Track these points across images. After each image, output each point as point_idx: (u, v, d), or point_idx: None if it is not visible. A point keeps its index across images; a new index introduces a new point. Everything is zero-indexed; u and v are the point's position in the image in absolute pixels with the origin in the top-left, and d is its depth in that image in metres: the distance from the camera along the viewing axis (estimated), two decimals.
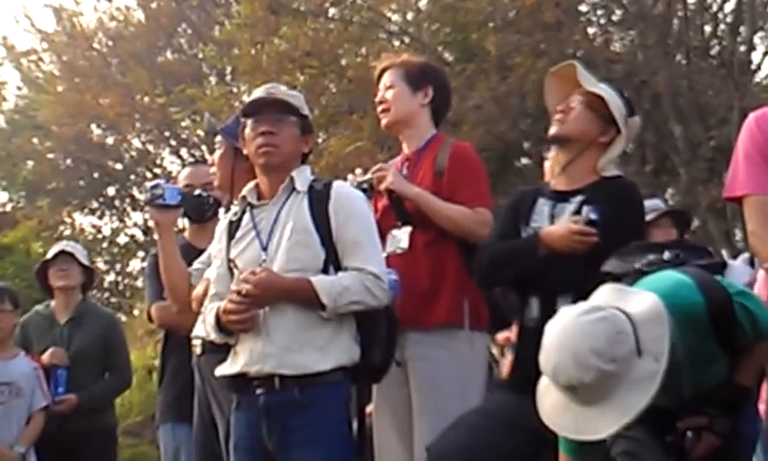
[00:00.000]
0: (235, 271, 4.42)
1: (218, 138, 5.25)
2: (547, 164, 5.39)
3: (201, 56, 21.42)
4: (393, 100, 5.11)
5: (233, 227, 4.49)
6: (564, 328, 3.57)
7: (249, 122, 4.47)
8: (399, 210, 5.00)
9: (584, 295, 3.84)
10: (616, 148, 4.53)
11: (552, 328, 3.62)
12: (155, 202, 5.01)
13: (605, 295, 3.71)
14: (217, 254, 4.59)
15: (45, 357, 6.96)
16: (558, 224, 4.42)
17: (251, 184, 4.52)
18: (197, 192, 5.80)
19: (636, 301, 3.61)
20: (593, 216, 4.30)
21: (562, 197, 4.52)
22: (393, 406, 4.94)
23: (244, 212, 4.49)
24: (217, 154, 5.22)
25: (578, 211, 4.41)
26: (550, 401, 3.69)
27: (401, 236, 4.99)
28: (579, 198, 4.47)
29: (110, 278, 23.16)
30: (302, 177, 4.45)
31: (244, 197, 4.51)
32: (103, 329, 7.20)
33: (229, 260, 4.47)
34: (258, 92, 4.57)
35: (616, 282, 3.87)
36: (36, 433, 6.75)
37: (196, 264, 5.11)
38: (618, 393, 3.49)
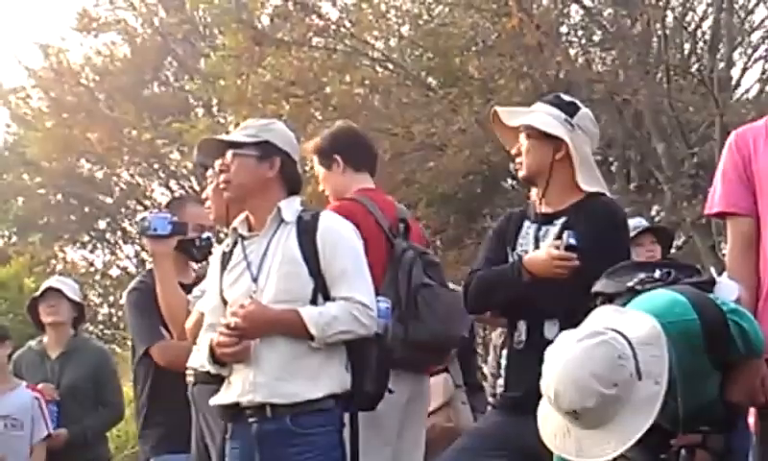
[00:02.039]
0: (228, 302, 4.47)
1: (209, 172, 5.28)
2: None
3: (187, 88, 21.50)
4: None
5: (226, 258, 4.54)
6: (565, 354, 3.55)
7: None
8: None
9: (571, 318, 3.89)
10: (580, 161, 4.55)
11: (552, 354, 3.61)
12: (147, 233, 5.05)
13: (602, 317, 3.71)
14: (210, 285, 4.63)
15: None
16: (539, 251, 4.45)
17: (241, 216, 4.57)
18: (190, 237, 5.68)
19: (634, 323, 3.61)
20: (572, 241, 4.32)
21: (546, 219, 4.56)
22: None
23: (236, 244, 4.54)
24: (210, 188, 5.27)
25: (559, 237, 4.43)
26: (551, 425, 3.69)
27: None
28: (562, 219, 4.51)
29: (104, 310, 23.19)
30: (290, 208, 4.48)
31: (235, 229, 4.56)
32: (94, 363, 7.23)
33: (222, 291, 4.52)
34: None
35: (608, 302, 3.88)
36: None
37: (195, 291, 5.12)
38: (620, 416, 3.49)
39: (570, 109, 4.62)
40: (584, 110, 4.69)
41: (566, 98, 4.71)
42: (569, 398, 3.50)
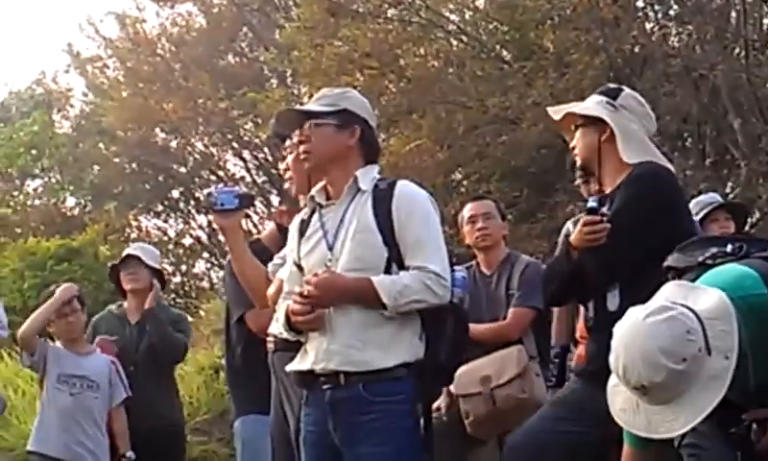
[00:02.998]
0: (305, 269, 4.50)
1: (287, 143, 5.29)
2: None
3: (261, 59, 21.60)
4: None
5: (304, 226, 4.58)
6: (633, 330, 3.55)
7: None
8: None
9: (630, 284, 3.94)
10: (622, 134, 4.62)
11: (620, 330, 3.62)
12: (214, 208, 5.07)
13: (670, 292, 3.69)
14: (289, 252, 4.67)
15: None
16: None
17: (319, 185, 4.59)
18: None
19: (703, 298, 3.60)
20: (592, 204, 4.44)
21: (605, 199, 4.64)
22: None
23: (313, 212, 4.58)
24: (289, 159, 5.28)
25: None
26: (621, 400, 3.70)
27: None
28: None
29: (176, 279, 23.42)
30: (367, 176, 4.49)
31: (313, 197, 4.60)
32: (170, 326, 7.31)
33: (299, 259, 4.56)
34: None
35: (679, 277, 3.88)
36: (126, 430, 6.90)
37: (276, 259, 5.13)
38: (690, 392, 3.49)
39: (613, 93, 4.74)
40: (628, 91, 4.80)
41: (612, 85, 4.87)
42: (638, 373, 3.50)
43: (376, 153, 4.65)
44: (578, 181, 5.78)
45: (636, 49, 13.64)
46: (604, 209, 4.45)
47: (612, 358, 3.62)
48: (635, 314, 3.60)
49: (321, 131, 4.51)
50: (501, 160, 14.51)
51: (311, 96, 4.91)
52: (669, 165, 4.76)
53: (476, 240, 6.51)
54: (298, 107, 4.70)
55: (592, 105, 4.70)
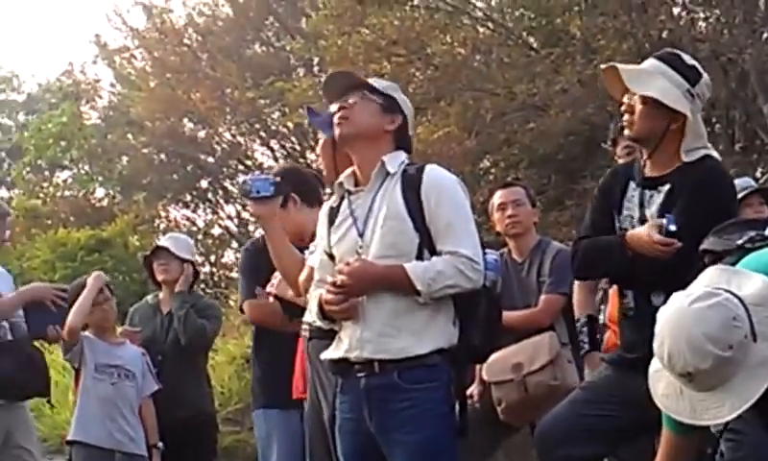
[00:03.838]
0: (336, 258, 4.50)
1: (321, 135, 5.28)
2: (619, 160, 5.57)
3: (288, 48, 21.62)
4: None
5: (333, 213, 4.56)
6: (678, 316, 3.50)
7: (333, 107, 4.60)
8: None
9: (678, 286, 3.92)
10: (691, 129, 4.54)
11: (664, 316, 3.56)
12: (250, 196, 5.03)
13: (712, 277, 3.64)
14: (319, 240, 4.66)
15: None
16: (641, 229, 4.47)
17: (347, 171, 4.58)
18: None
19: (747, 283, 3.54)
20: (672, 227, 4.33)
21: (651, 184, 4.58)
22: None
23: (342, 199, 4.56)
24: (319, 145, 5.28)
25: (662, 212, 4.46)
26: (664, 387, 3.66)
27: None
28: (667, 186, 4.53)
29: (205, 269, 23.47)
30: (395, 161, 4.47)
31: (341, 183, 4.57)
32: (200, 314, 7.32)
33: (329, 246, 4.55)
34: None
35: (717, 261, 3.84)
36: (155, 421, 6.94)
37: (311, 246, 5.12)
38: (735, 379, 3.43)
39: (692, 76, 4.59)
40: (705, 78, 4.65)
41: (687, 60, 4.65)
42: (684, 360, 3.45)
43: (408, 149, 4.61)
44: (619, 150, 5.73)
45: (664, 34, 13.58)
46: (672, 228, 4.34)
47: (656, 344, 3.57)
48: (679, 300, 3.54)
49: (367, 103, 4.50)
50: (529, 147, 14.51)
51: None
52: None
53: (506, 227, 6.50)
54: (354, 72, 4.62)
55: (674, 91, 4.51)
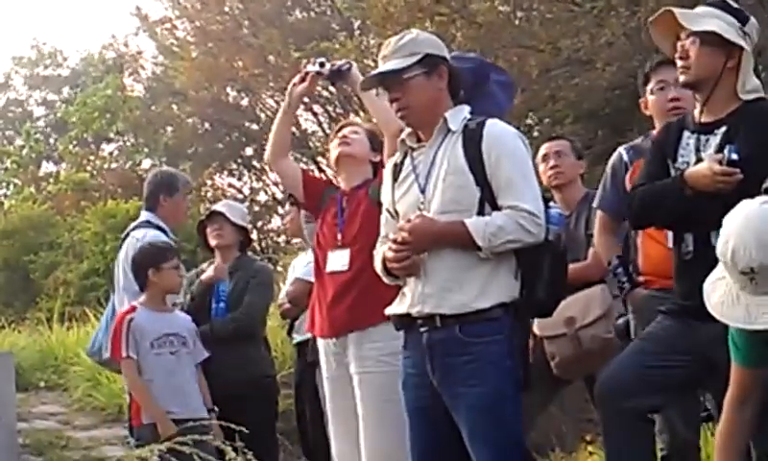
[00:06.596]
0: (399, 214, 4.53)
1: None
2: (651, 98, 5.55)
3: (329, 13, 21.57)
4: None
5: (396, 170, 4.59)
6: (747, 215, 3.58)
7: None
8: None
9: None
10: (746, 66, 4.52)
11: (733, 217, 3.63)
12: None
13: None
14: (383, 197, 4.69)
15: (208, 273, 7.23)
16: (701, 165, 4.43)
17: (409, 128, 4.60)
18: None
19: None
20: (734, 156, 4.30)
21: (706, 129, 4.55)
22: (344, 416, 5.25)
23: (405, 156, 4.58)
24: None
25: (720, 149, 4.42)
26: (719, 294, 3.73)
27: (341, 256, 5.27)
28: (723, 129, 4.50)
29: (253, 236, 23.52)
30: (456, 117, 4.48)
31: (404, 140, 4.59)
32: (252, 276, 7.35)
33: (393, 203, 4.58)
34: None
35: None
36: (207, 387, 6.87)
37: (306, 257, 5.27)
38: None
39: (742, 17, 4.57)
40: (753, 20, 4.64)
41: (734, 4, 4.63)
42: (749, 255, 3.53)
43: (459, 84, 4.57)
44: (653, 84, 5.67)
45: None
46: (734, 157, 4.32)
47: (719, 243, 3.64)
48: (748, 203, 3.63)
49: (412, 84, 4.47)
50: (574, 103, 14.41)
51: (380, 47, 4.86)
52: None
53: (549, 179, 6.43)
54: (381, 69, 4.57)
55: (729, 28, 4.50)
